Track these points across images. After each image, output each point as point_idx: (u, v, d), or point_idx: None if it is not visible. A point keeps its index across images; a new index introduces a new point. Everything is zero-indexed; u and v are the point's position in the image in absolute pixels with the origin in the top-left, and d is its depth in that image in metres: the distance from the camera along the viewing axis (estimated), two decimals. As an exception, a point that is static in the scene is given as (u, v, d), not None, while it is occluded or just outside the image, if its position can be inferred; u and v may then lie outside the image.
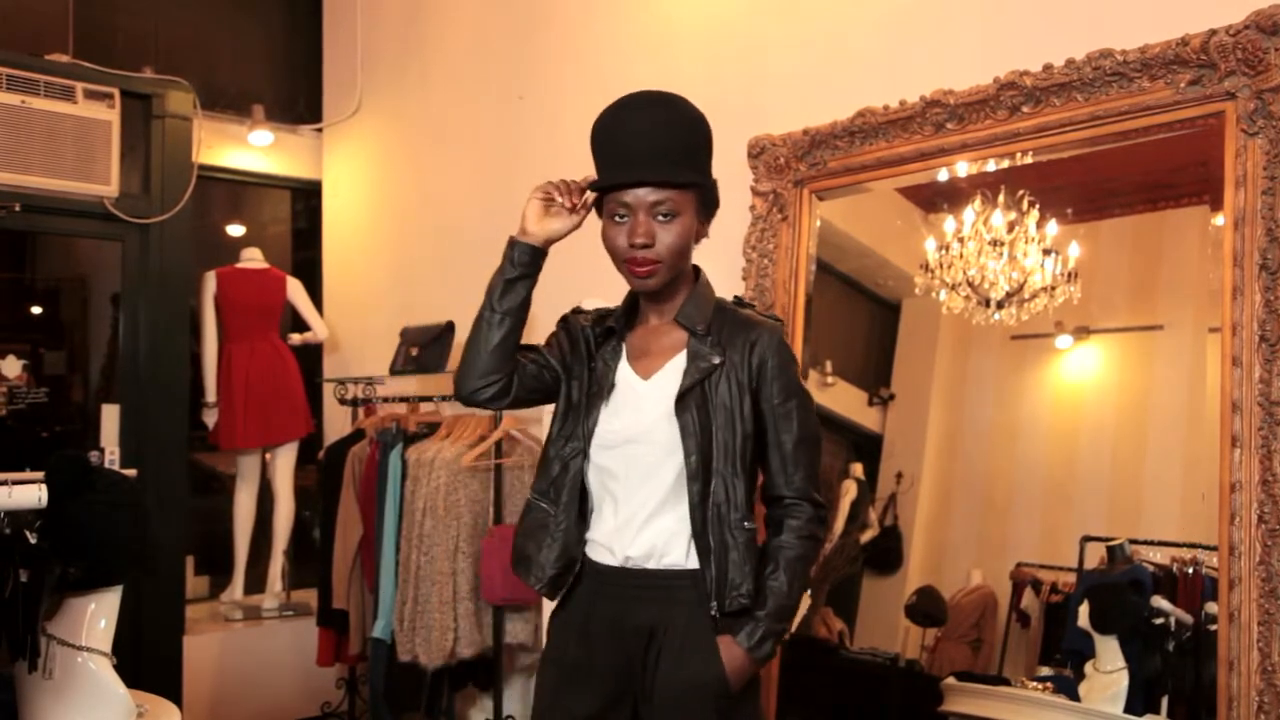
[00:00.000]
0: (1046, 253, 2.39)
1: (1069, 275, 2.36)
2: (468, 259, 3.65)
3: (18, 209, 3.72)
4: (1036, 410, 2.49)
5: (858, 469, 2.74)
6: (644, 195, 1.67)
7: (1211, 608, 2.01)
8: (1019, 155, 2.36)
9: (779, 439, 1.73)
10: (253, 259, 4.31)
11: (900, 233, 2.68)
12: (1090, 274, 2.34)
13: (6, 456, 3.06)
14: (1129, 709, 2.12)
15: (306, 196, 4.91)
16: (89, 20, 4.14)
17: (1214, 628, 1.99)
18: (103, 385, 4.36)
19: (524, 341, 1.81)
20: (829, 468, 2.65)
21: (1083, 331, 2.37)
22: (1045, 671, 2.32)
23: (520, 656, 3.56)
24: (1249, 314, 1.98)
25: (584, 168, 1.78)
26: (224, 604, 4.29)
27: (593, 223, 1.77)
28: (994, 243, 2.46)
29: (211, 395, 4.19)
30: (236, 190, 4.89)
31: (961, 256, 2.51)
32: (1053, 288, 2.38)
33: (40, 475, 2.38)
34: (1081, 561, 2.29)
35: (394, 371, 3.75)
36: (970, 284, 2.50)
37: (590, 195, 1.73)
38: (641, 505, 1.73)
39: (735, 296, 1.86)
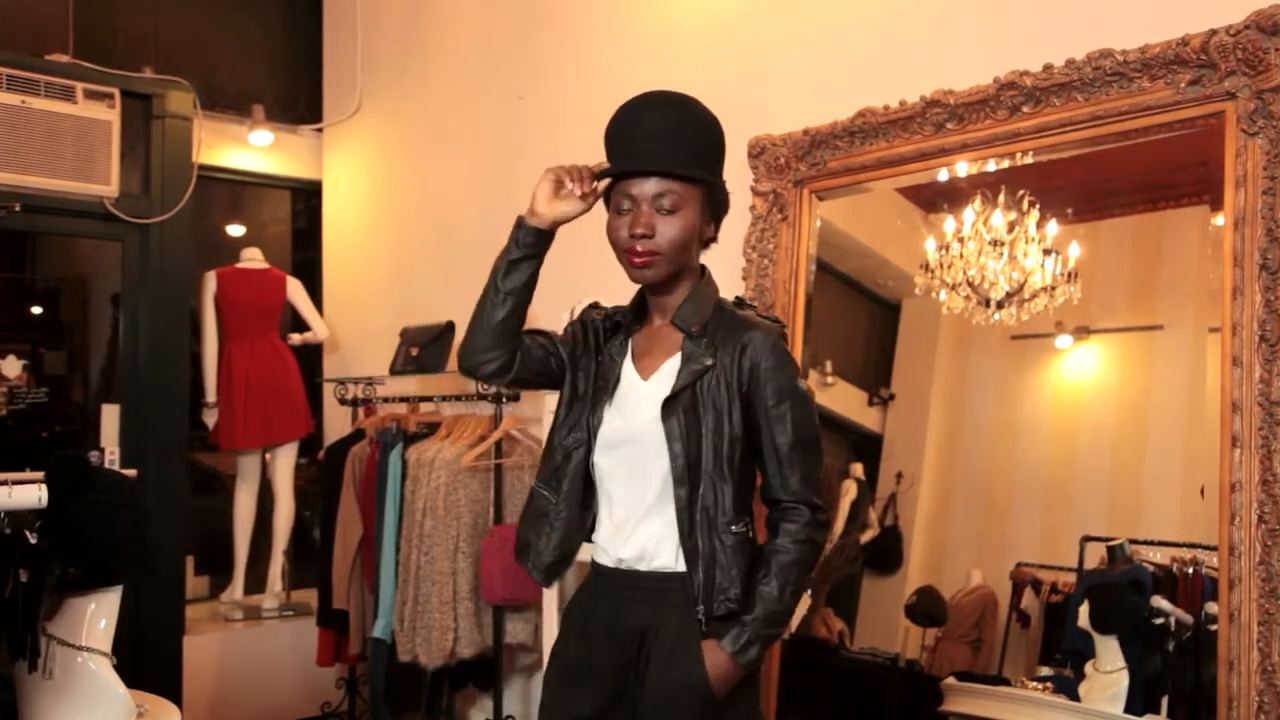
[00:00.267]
0: (1046, 253, 2.38)
1: (1069, 275, 2.35)
2: (468, 259, 3.64)
3: (18, 209, 3.72)
4: (1036, 410, 2.49)
5: (858, 469, 2.74)
6: (648, 188, 1.68)
7: (1211, 608, 2.01)
8: (1019, 155, 2.36)
9: (774, 442, 1.70)
10: (253, 259, 4.31)
11: (900, 233, 2.68)
12: (1090, 274, 2.34)
13: (6, 456, 3.06)
14: (1129, 709, 2.12)
15: (306, 196, 4.91)
16: (89, 20, 4.14)
17: (1214, 628, 1.99)
18: (103, 385, 4.36)
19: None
20: (829, 468, 2.65)
21: (1083, 331, 2.37)
22: (1045, 671, 2.32)
23: (520, 656, 3.56)
24: (1249, 314, 1.98)
25: (584, 167, 1.78)
26: (224, 604, 4.29)
27: (597, 223, 1.77)
28: (994, 243, 2.46)
29: (211, 395, 4.19)
30: (236, 190, 4.89)
31: (961, 256, 2.51)
32: (1053, 288, 2.37)
33: (40, 475, 2.38)
34: (1081, 561, 2.29)
35: (394, 371, 3.75)
36: (970, 284, 2.49)
37: (601, 184, 1.73)
38: (633, 507, 1.73)
39: (736, 297, 1.86)
